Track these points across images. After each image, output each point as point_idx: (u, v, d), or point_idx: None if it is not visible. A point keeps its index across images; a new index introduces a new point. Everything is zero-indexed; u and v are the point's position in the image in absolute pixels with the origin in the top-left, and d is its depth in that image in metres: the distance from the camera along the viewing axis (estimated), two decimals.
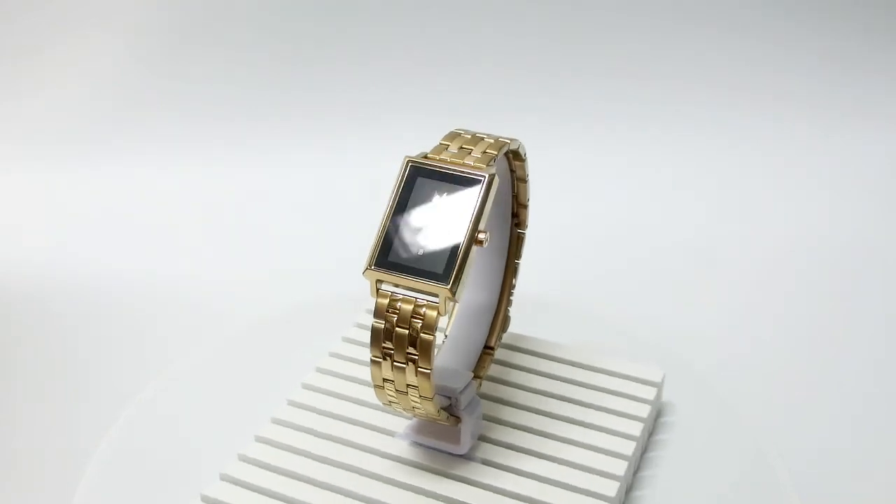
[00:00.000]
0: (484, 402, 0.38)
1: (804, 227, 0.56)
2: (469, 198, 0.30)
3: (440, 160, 0.32)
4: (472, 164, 0.31)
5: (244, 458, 0.35)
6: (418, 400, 0.31)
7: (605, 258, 0.53)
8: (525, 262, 0.38)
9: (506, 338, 0.41)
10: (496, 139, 0.33)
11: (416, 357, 0.30)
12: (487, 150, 0.32)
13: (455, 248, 0.30)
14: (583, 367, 0.40)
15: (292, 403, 0.38)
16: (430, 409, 0.32)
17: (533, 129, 0.60)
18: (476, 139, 0.33)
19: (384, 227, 0.31)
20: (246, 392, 0.40)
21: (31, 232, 0.56)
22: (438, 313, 0.30)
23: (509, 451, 0.36)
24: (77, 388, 0.43)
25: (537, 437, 0.36)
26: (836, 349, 0.46)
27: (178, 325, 0.47)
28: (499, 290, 0.38)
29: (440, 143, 0.33)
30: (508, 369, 0.40)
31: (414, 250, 0.30)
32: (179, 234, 0.56)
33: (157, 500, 0.35)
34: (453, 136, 0.33)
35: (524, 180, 0.36)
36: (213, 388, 0.41)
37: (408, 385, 0.31)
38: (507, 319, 0.38)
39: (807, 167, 0.61)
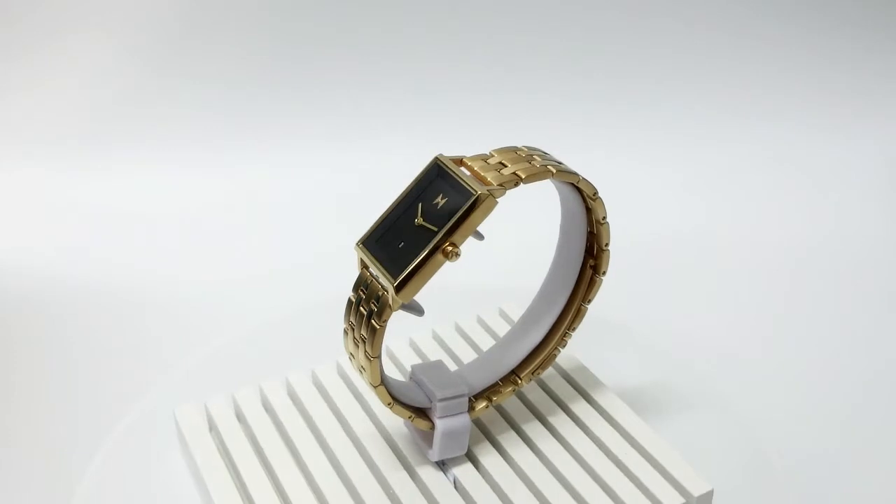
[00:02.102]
0: (498, 424, 0.36)
1: (804, 227, 0.56)
2: (457, 210, 0.29)
3: (468, 167, 0.31)
4: (489, 179, 0.30)
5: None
6: (368, 384, 0.31)
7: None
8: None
9: (566, 363, 0.39)
10: (540, 165, 0.31)
11: (366, 340, 0.30)
12: (517, 172, 0.30)
13: (420, 253, 0.29)
14: (623, 438, 0.36)
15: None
16: (376, 396, 0.32)
17: (533, 129, 0.61)
18: (524, 159, 0.31)
19: (388, 211, 0.31)
20: None
21: (30, 232, 0.56)
22: (389, 306, 0.29)
23: (485, 485, 0.34)
24: (76, 391, 0.43)
25: (524, 487, 0.34)
26: (836, 349, 0.46)
27: (179, 326, 0.47)
28: (550, 324, 0.35)
29: (488, 153, 0.31)
30: (546, 400, 0.38)
31: (396, 242, 0.30)
32: (180, 234, 0.56)
33: (158, 501, 0.36)
34: (508, 150, 0.32)
35: (601, 222, 0.33)
36: (214, 391, 0.40)
37: (361, 366, 0.31)
38: (550, 358, 0.36)
39: (807, 167, 0.61)
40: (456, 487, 0.34)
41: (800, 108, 0.64)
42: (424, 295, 0.38)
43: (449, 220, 0.29)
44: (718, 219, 0.57)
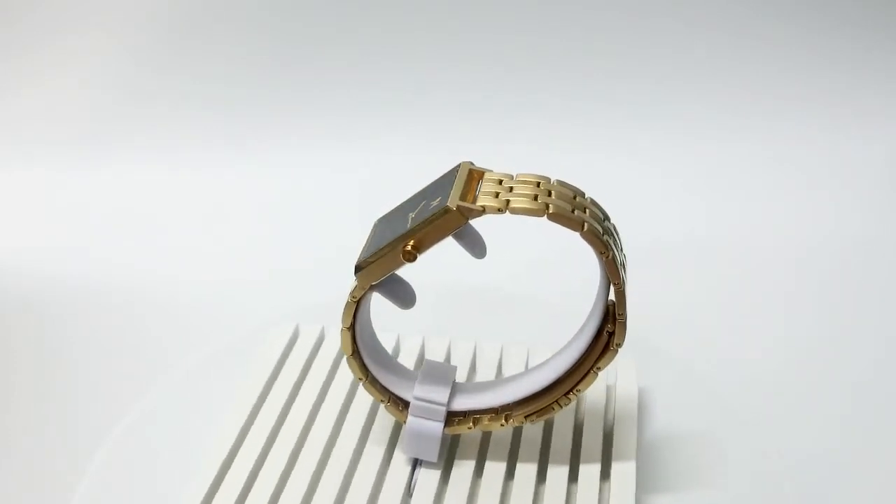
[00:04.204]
0: (499, 449, 0.36)
1: (805, 227, 0.56)
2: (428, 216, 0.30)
3: (479, 180, 0.30)
4: (480, 198, 0.29)
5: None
6: None
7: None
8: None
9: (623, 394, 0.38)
10: (541, 202, 0.29)
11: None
12: (510, 201, 0.29)
13: (384, 245, 0.30)
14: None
15: None
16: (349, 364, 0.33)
17: (533, 128, 0.62)
18: (534, 191, 0.29)
19: (407, 200, 0.32)
20: None
21: (30, 232, 0.56)
22: (358, 286, 0.31)
23: (431, 500, 0.34)
24: (76, 391, 0.43)
25: None
26: (836, 349, 0.46)
27: (180, 327, 0.47)
28: (555, 375, 0.34)
29: (513, 175, 0.30)
30: (564, 441, 0.36)
31: (390, 227, 0.31)
32: (180, 235, 0.56)
33: (158, 501, 0.36)
34: (532, 177, 0.30)
35: (615, 286, 0.31)
36: (215, 391, 0.40)
37: None
38: (548, 410, 0.34)
39: (807, 167, 0.61)
40: (410, 488, 0.34)
41: (800, 108, 0.63)
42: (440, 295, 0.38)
43: (418, 222, 0.29)
44: (718, 218, 0.57)
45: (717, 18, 0.63)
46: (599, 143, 0.63)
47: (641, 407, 0.40)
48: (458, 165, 0.31)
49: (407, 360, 0.40)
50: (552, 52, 0.64)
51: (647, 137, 0.63)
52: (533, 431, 0.36)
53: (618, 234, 0.32)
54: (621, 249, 0.31)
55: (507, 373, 0.39)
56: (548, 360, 0.34)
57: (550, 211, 0.29)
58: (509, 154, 0.59)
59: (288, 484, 0.34)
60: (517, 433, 0.36)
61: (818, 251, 0.54)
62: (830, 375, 0.44)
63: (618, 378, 0.39)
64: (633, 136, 0.63)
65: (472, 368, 0.40)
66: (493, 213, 0.29)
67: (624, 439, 0.36)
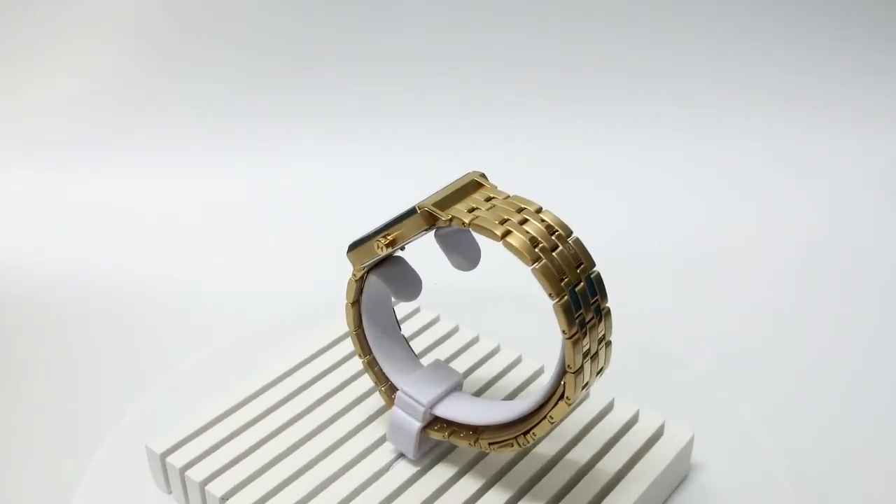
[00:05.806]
0: (487, 467, 0.35)
1: (805, 227, 0.56)
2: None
3: (478, 190, 0.30)
4: (458, 208, 0.29)
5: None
6: None
7: (602, 258, 0.49)
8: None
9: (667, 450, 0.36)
10: (503, 229, 0.28)
11: None
12: (477, 216, 0.28)
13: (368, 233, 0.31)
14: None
15: None
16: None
17: (533, 128, 0.62)
18: (507, 214, 0.29)
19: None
20: None
21: (30, 232, 0.56)
22: (354, 267, 0.32)
23: (395, 489, 0.34)
24: (76, 391, 0.43)
25: None
26: (836, 348, 0.46)
27: (180, 327, 0.47)
28: (515, 415, 0.32)
29: (506, 194, 0.30)
30: (558, 479, 0.34)
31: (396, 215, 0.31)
32: (180, 235, 0.56)
33: (157, 501, 0.36)
34: (516, 200, 0.29)
35: (567, 341, 0.28)
36: (214, 391, 0.40)
37: None
38: (507, 445, 0.32)
39: (807, 167, 0.61)
40: (384, 470, 0.34)
41: (800, 108, 0.64)
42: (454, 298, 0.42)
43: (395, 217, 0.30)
44: (718, 218, 0.57)
45: (717, 19, 0.63)
46: (599, 143, 0.63)
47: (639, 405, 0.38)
48: (464, 176, 0.31)
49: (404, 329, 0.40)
50: (552, 52, 0.64)
51: (647, 137, 0.63)
52: (536, 458, 0.35)
53: (601, 288, 0.29)
54: (592, 304, 0.29)
55: (487, 374, 0.39)
56: (523, 397, 0.34)
57: (507, 238, 0.28)
58: (509, 154, 0.59)
59: (275, 439, 0.35)
60: (521, 454, 0.35)
61: (819, 251, 0.54)
62: (831, 375, 0.44)
63: (664, 435, 0.37)
64: (633, 136, 0.63)
65: (451, 360, 0.40)
66: (459, 225, 0.29)
67: (625, 492, 0.34)
